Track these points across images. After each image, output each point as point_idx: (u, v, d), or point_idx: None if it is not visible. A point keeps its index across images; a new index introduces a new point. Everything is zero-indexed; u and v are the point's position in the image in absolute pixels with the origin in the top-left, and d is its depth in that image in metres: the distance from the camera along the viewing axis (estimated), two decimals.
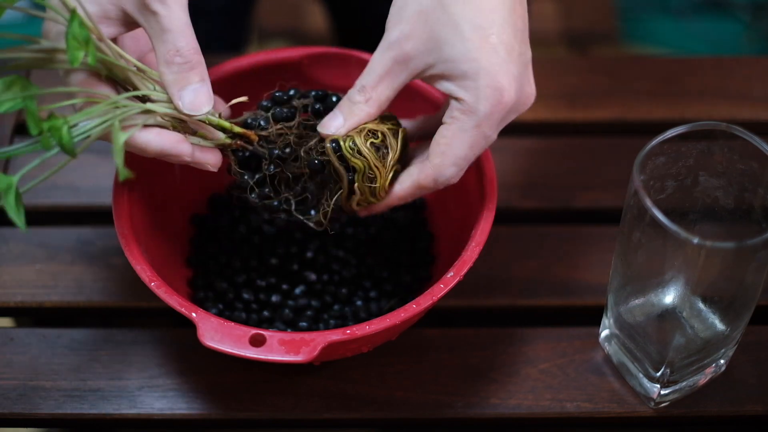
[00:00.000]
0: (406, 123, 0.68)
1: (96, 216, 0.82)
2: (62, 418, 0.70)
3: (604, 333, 0.72)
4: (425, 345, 0.73)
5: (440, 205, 0.79)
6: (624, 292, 0.68)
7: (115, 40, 0.62)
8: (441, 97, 0.72)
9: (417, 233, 0.79)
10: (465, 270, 0.64)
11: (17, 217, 0.56)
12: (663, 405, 0.70)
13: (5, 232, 0.80)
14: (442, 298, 0.63)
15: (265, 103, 0.65)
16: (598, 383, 0.71)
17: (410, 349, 0.73)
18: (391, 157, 0.63)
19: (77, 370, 0.72)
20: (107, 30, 0.60)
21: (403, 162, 0.65)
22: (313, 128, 0.64)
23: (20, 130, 0.87)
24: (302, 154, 0.63)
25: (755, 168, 0.62)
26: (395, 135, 0.64)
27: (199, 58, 0.61)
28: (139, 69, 0.62)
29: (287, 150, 0.63)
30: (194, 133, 0.63)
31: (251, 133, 0.63)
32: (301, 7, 1.81)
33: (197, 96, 0.61)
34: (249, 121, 0.64)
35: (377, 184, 0.63)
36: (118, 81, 0.62)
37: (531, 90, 0.62)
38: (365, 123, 0.63)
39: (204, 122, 0.62)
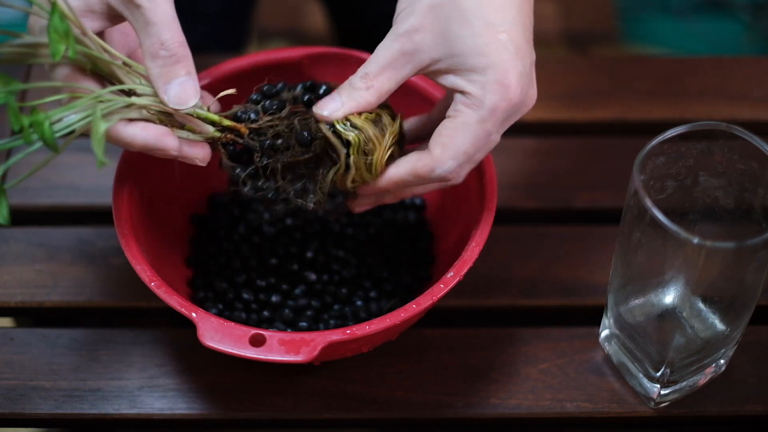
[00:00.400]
0: None
1: (96, 216, 0.82)
2: (62, 418, 0.70)
3: (604, 333, 0.72)
4: (425, 345, 0.73)
5: (440, 205, 0.79)
6: (624, 292, 0.68)
7: (102, 34, 0.61)
8: (438, 96, 0.72)
9: (417, 233, 0.79)
10: (465, 270, 0.64)
11: None
12: (663, 405, 0.70)
13: (5, 232, 0.80)
14: (442, 298, 0.63)
15: (254, 97, 0.65)
16: (598, 383, 0.71)
17: (410, 349, 0.73)
18: (390, 131, 0.62)
19: (77, 370, 0.72)
20: (92, 24, 0.60)
21: (400, 150, 0.64)
22: (305, 118, 0.63)
23: None
24: (295, 125, 0.62)
25: (755, 168, 0.62)
26: (393, 118, 0.63)
27: (184, 52, 0.60)
28: (125, 63, 0.61)
29: (279, 141, 0.62)
30: (182, 127, 0.62)
31: (241, 126, 0.63)
32: (301, 8, 1.80)
33: (183, 89, 0.60)
34: (239, 114, 0.63)
35: (373, 157, 0.62)
36: (104, 75, 0.61)
37: (534, 92, 0.62)
38: (363, 111, 0.62)
39: (192, 116, 0.61)
